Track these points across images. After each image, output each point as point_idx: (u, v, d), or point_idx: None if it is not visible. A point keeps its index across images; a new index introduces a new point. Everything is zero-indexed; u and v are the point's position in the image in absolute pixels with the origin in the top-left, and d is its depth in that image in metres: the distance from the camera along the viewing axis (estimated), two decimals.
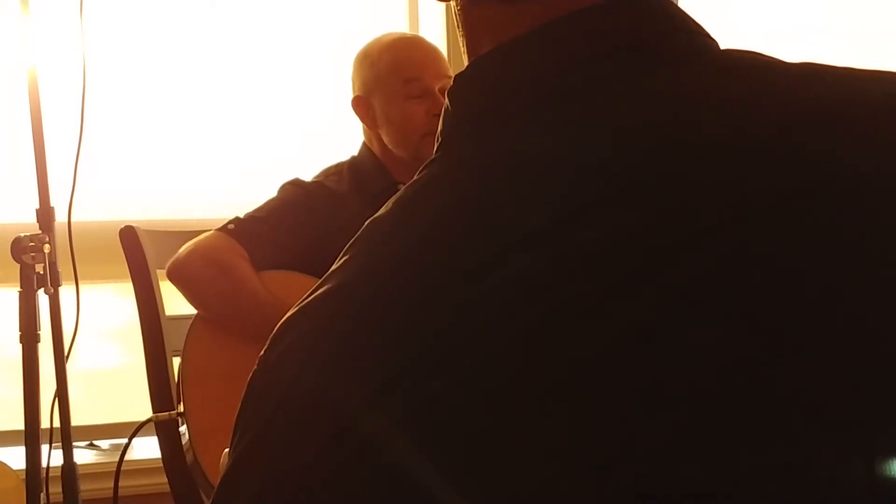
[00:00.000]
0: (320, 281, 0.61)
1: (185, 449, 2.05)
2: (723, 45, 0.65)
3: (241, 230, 2.14)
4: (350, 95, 2.33)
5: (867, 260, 0.54)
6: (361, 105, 2.28)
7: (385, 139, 2.27)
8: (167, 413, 2.07)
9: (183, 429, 2.05)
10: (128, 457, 2.11)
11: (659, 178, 0.56)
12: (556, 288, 0.54)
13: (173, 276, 2.11)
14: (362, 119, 2.29)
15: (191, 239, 2.16)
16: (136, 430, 2.04)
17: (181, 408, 2.04)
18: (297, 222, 2.17)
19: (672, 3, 0.65)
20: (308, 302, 0.61)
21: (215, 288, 2.09)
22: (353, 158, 2.33)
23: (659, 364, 0.52)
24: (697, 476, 0.51)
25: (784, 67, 0.62)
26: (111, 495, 2.07)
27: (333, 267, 0.61)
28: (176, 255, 2.12)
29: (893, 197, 0.55)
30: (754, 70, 0.62)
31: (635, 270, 0.54)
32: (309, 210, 2.19)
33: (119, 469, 2.05)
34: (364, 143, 2.34)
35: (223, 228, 2.14)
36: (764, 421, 0.51)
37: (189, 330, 2.11)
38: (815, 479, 0.51)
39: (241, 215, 2.18)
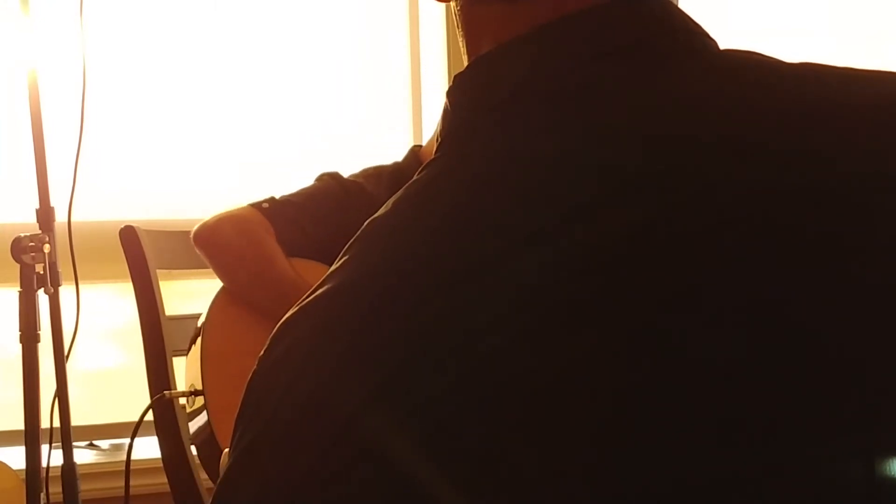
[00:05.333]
0: (320, 281, 0.61)
1: (206, 434, 2.04)
2: (723, 45, 0.65)
3: (275, 211, 2.12)
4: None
5: (863, 262, 0.54)
6: None
7: None
8: (179, 391, 2.05)
9: (200, 404, 2.03)
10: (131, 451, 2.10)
11: (657, 179, 0.56)
12: (556, 287, 0.54)
13: (200, 240, 2.07)
14: None
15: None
16: (145, 412, 2.02)
17: (200, 384, 2.03)
18: (329, 215, 2.15)
19: (671, 3, 0.65)
20: (308, 302, 0.61)
21: (242, 258, 2.07)
22: (397, 165, 2.30)
23: (658, 364, 0.52)
24: (696, 476, 0.51)
25: (783, 68, 0.62)
26: (111, 495, 2.07)
27: (333, 267, 0.61)
28: (205, 221, 2.09)
29: (890, 199, 0.55)
30: (753, 70, 0.62)
31: (634, 270, 0.54)
32: (342, 206, 2.17)
33: (128, 465, 2.03)
34: (414, 154, 2.29)
35: (256, 205, 2.12)
36: (763, 422, 0.51)
37: (211, 305, 2.09)
38: (814, 479, 0.51)
39: (277, 196, 2.17)
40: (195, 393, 2.02)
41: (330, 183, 2.21)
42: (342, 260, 0.61)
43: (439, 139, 0.66)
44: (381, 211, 0.63)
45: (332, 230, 2.13)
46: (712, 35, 0.65)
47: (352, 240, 0.62)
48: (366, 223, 0.63)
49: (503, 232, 0.57)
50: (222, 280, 2.10)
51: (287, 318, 0.61)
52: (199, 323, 2.09)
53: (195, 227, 2.09)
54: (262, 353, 0.61)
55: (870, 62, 0.64)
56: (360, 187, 2.22)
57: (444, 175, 0.63)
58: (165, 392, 2.04)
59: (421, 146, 2.33)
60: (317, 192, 2.19)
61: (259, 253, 2.07)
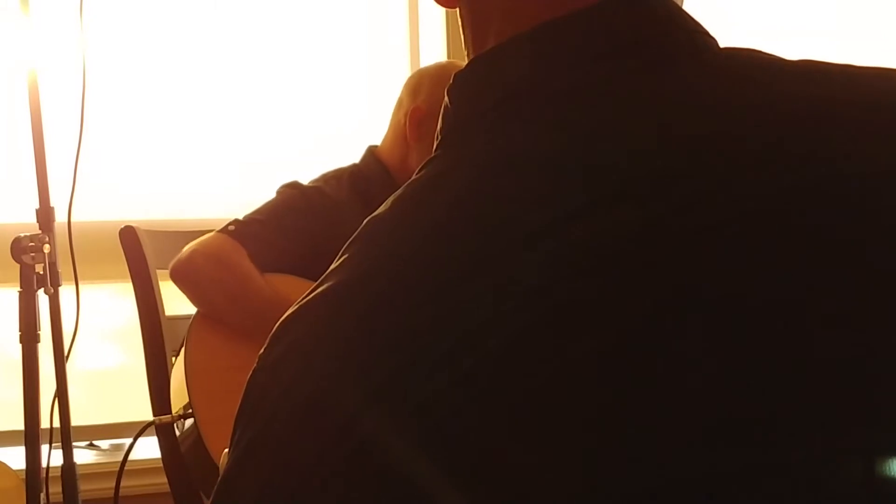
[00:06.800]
0: (320, 280, 0.61)
1: (192, 439, 2.04)
2: (723, 44, 0.65)
3: (242, 231, 2.13)
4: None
5: (864, 261, 0.54)
6: (419, 116, 2.22)
7: (418, 158, 2.22)
8: (170, 416, 2.06)
9: (189, 421, 2.04)
10: (128, 457, 2.11)
11: (657, 179, 0.56)
12: (555, 287, 0.54)
13: (177, 276, 2.09)
14: (413, 130, 2.23)
15: (191, 239, 2.15)
16: (139, 433, 2.03)
17: (186, 401, 2.03)
18: (295, 225, 2.16)
19: (673, 2, 0.65)
20: (308, 301, 0.61)
21: (221, 285, 2.08)
22: (356, 166, 2.29)
23: (657, 363, 0.52)
24: (695, 476, 0.51)
25: (783, 66, 0.62)
26: (111, 495, 2.07)
27: (333, 266, 0.61)
28: (178, 256, 2.11)
29: (888, 197, 0.55)
30: (753, 69, 0.62)
31: (633, 269, 0.54)
32: (306, 214, 2.18)
33: (122, 470, 2.04)
34: (371, 153, 2.29)
35: (223, 230, 2.14)
36: (762, 421, 0.51)
37: (190, 327, 2.10)
38: (814, 479, 0.51)
39: (241, 217, 2.17)
40: (184, 416, 2.02)
41: (290, 193, 2.21)
42: (342, 258, 0.61)
43: (439, 137, 0.66)
44: (381, 209, 0.63)
45: (300, 240, 2.14)
46: (713, 34, 0.65)
47: (351, 238, 0.62)
48: (365, 221, 0.63)
49: (502, 231, 0.57)
50: (205, 310, 2.10)
51: (287, 317, 0.61)
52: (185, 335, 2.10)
53: (171, 265, 2.10)
54: (261, 351, 0.61)
55: (872, 62, 0.64)
56: (320, 191, 2.22)
57: (443, 174, 0.63)
58: (155, 418, 2.05)
59: (377, 146, 2.32)
60: (279, 205, 2.19)
61: (235, 274, 2.09)
